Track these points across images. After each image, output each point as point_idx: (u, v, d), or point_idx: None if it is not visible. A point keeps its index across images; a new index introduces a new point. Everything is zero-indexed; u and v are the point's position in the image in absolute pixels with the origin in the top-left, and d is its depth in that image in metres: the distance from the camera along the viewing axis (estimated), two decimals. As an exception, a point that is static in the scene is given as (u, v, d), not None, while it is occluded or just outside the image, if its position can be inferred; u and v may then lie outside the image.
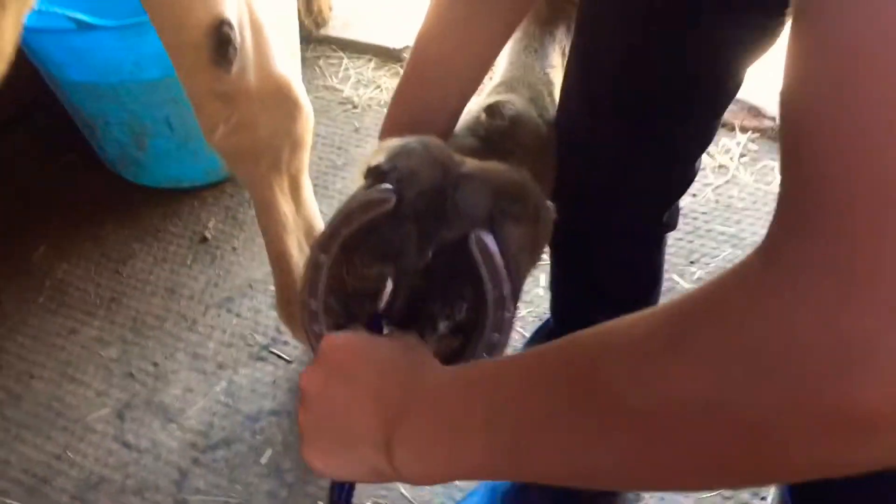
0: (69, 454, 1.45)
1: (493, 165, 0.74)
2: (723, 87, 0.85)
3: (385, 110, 2.04)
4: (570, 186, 0.88)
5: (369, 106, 2.10)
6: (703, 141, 0.90)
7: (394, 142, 0.76)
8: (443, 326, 0.72)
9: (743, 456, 0.41)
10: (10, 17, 0.77)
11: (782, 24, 0.80)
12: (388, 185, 0.71)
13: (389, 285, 0.72)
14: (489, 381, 0.54)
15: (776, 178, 1.79)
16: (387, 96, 2.11)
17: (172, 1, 1.06)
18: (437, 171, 0.72)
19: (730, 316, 0.41)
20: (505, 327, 0.70)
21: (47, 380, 1.58)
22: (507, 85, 0.91)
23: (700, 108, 0.87)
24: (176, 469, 1.41)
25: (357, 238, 0.72)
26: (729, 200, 1.73)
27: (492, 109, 0.85)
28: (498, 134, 0.84)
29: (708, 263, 1.62)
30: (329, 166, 1.93)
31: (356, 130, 2.04)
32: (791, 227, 0.40)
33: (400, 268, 0.72)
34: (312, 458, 0.62)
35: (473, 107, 0.88)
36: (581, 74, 0.88)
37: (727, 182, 1.76)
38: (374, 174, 0.73)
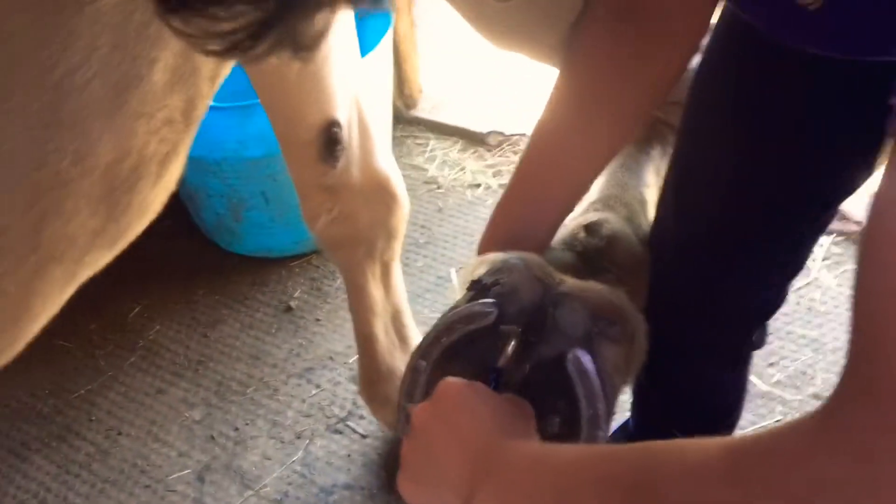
0: (150, 513, 1.51)
1: (592, 285, 0.78)
2: (826, 212, 0.87)
3: (468, 192, 2.10)
4: (661, 303, 0.91)
5: (453, 187, 2.16)
6: (797, 265, 0.92)
7: (496, 256, 0.80)
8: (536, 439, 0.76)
9: None
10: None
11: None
12: (490, 300, 0.75)
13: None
14: (564, 467, 0.59)
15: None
16: (471, 178, 2.17)
17: (289, 99, 1.14)
18: (538, 287, 0.76)
19: (782, 460, 0.44)
20: (598, 443, 0.73)
21: (134, 437, 1.65)
22: (604, 202, 0.95)
23: (800, 232, 0.89)
24: (251, 536, 1.46)
25: (455, 348, 0.77)
26: (811, 303, 1.72)
27: (590, 228, 0.89)
28: (594, 251, 0.88)
29: (787, 367, 1.62)
30: (412, 244, 1.99)
31: (439, 210, 2.10)
32: (854, 389, 0.43)
33: (499, 380, 0.75)
34: (403, 485, 0.71)
35: (570, 222, 0.92)
36: (679, 191, 0.91)
37: (809, 284, 1.76)
38: (477, 287, 0.77)
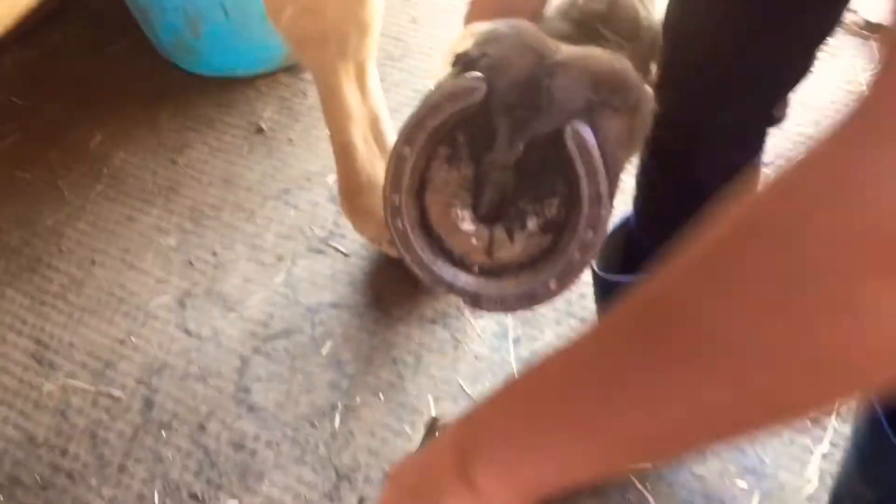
0: (132, 339, 1.47)
1: (592, 52, 0.69)
2: None
3: (441, 0, 1.95)
4: (678, 79, 0.83)
5: (427, -5, 2.02)
6: (825, 27, 0.83)
7: (482, 26, 0.71)
8: (532, 223, 0.69)
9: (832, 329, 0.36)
10: None
11: None
12: (477, 74, 0.67)
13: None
14: (553, 372, 0.49)
15: (857, 77, 1.71)
16: (445, -15, 2.02)
17: None
18: (531, 57, 0.67)
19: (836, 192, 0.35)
20: (600, 226, 0.67)
21: (108, 266, 1.59)
22: None
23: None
24: (237, 357, 1.43)
25: (442, 130, 0.69)
26: (808, 98, 1.65)
27: None
28: (593, 16, 0.79)
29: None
30: (386, 57, 1.87)
31: (413, 20, 1.97)
32: None
33: (489, 162, 0.68)
34: None
35: None
36: None
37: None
38: (463, 62, 0.68)
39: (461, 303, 1.45)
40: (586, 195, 0.65)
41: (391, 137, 1.37)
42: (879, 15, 1.75)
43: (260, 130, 1.78)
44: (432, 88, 0.70)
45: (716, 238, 0.41)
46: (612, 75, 0.68)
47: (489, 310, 0.72)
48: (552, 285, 0.67)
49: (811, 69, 0.88)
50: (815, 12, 0.82)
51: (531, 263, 0.70)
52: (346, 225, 1.56)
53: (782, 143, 1.58)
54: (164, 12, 1.75)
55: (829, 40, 1.61)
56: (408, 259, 0.71)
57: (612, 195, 0.69)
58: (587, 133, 0.65)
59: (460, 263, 0.71)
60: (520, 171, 0.69)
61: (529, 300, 0.69)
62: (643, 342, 0.42)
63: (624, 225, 1.10)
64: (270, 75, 1.88)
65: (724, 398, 0.40)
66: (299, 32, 1.15)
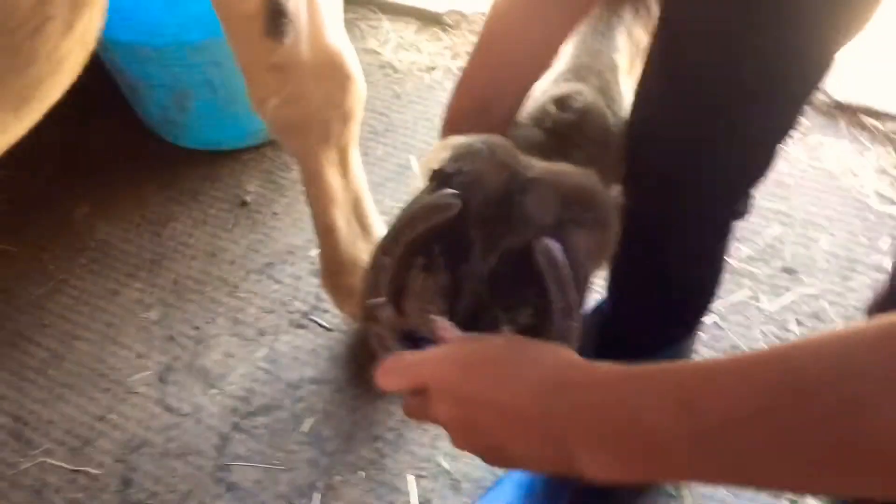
0: (112, 416, 1.47)
1: (562, 168, 0.73)
2: (814, 69, 0.82)
3: (426, 75, 2.02)
4: (643, 174, 0.86)
5: (410, 71, 2.07)
6: (785, 126, 0.87)
7: (458, 140, 0.74)
8: (506, 330, 0.72)
9: None
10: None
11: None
12: (452, 191, 0.70)
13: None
14: (689, 392, 0.50)
15: (826, 155, 1.76)
16: (428, 60, 2.08)
17: (227, -31, 1.04)
18: (504, 174, 0.71)
19: None
20: (571, 336, 0.69)
21: (90, 341, 1.59)
22: (575, 72, 0.88)
23: (786, 93, 0.84)
24: (217, 434, 1.43)
25: (419, 242, 0.71)
26: (778, 176, 1.69)
27: (561, 102, 0.83)
28: (565, 126, 0.82)
29: (756, 242, 1.60)
30: (369, 132, 1.91)
31: (397, 96, 2.01)
32: None
33: (464, 272, 0.71)
34: (494, 464, 0.62)
35: (539, 95, 0.86)
36: (665, 55, 0.85)
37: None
38: (439, 177, 0.72)
39: None
40: (557, 308, 0.68)
41: (373, 217, 1.40)
42: (846, 95, 1.81)
43: (244, 204, 1.81)
44: (410, 202, 0.73)
45: None
46: (582, 193, 0.71)
47: None
48: None
49: (772, 165, 0.91)
50: (777, 113, 0.85)
51: None
52: (328, 300, 1.58)
53: (754, 220, 1.63)
54: (152, 88, 1.79)
55: (801, 120, 1.66)
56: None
57: (581, 305, 0.72)
58: (556, 249, 0.68)
59: None
60: (494, 281, 0.71)
61: None
62: (799, 425, 0.45)
63: (598, 310, 1.12)
64: (256, 149, 1.91)
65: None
66: (283, 121, 1.18)
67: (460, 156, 0.70)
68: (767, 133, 0.86)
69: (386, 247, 0.70)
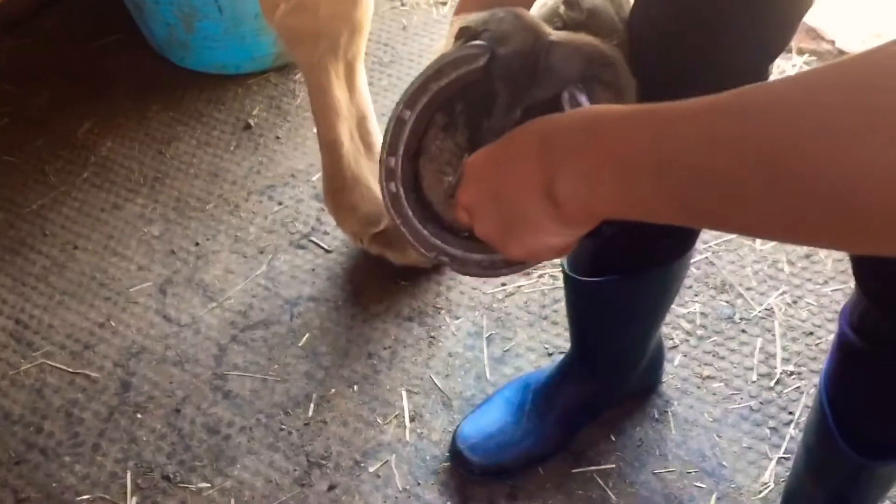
0: (112, 323, 1.50)
1: (584, 36, 0.74)
2: None
3: (434, 10, 2.01)
4: (644, 81, 0.87)
5: (418, 4, 2.06)
6: (779, 45, 0.88)
7: (479, 13, 0.75)
8: None
9: None
10: None
11: None
12: (481, 42, 0.70)
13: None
14: (658, 126, 0.51)
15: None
16: (436, -5, 2.08)
17: None
18: (529, 35, 0.72)
19: None
20: None
21: (91, 251, 1.61)
22: None
23: (769, 18, 0.85)
24: (215, 344, 1.46)
25: (443, 96, 0.72)
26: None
27: (570, 1, 0.84)
28: (574, 26, 0.83)
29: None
30: (375, 63, 1.92)
31: (404, 28, 2.01)
32: None
33: (486, 129, 0.72)
34: (513, 251, 0.65)
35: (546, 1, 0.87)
36: None
37: (777, 105, 1.73)
38: (467, 34, 0.72)
39: (443, 287, 1.48)
40: None
41: (377, 137, 1.41)
42: (853, 44, 1.82)
43: (248, 127, 1.82)
44: (436, 58, 0.73)
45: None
46: (603, 54, 0.73)
47: (476, 275, 0.76)
48: None
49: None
50: (770, 29, 0.86)
51: None
52: (329, 222, 1.60)
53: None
54: (157, 6, 1.78)
55: (805, 69, 1.67)
56: (398, 221, 0.74)
57: None
58: (583, 98, 0.69)
59: (449, 230, 0.75)
60: None
61: (517, 264, 0.73)
62: (747, 159, 0.45)
63: (595, 232, 1.14)
64: (261, 74, 1.91)
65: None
66: (292, 29, 1.19)
67: (486, 20, 0.71)
68: (762, 42, 0.87)
69: (409, 99, 0.70)
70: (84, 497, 1.29)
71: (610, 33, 0.85)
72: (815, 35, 1.80)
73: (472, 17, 0.72)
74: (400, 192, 0.73)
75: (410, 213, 0.74)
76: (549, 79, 0.69)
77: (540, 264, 0.74)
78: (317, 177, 1.67)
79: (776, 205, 0.45)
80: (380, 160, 0.73)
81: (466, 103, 0.71)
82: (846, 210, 0.42)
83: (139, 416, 1.37)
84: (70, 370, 1.43)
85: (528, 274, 1.51)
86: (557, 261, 1.30)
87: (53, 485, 1.30)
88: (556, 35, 0.71)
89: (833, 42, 1.81)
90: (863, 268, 0.85)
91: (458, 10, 0.85)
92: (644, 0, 0.89)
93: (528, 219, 0.60)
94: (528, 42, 0.70)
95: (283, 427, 1.35)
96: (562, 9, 0.84)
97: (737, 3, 0.84)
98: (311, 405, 1.37)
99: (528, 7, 0.86)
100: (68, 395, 1.40)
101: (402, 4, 2.07)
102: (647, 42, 0.88)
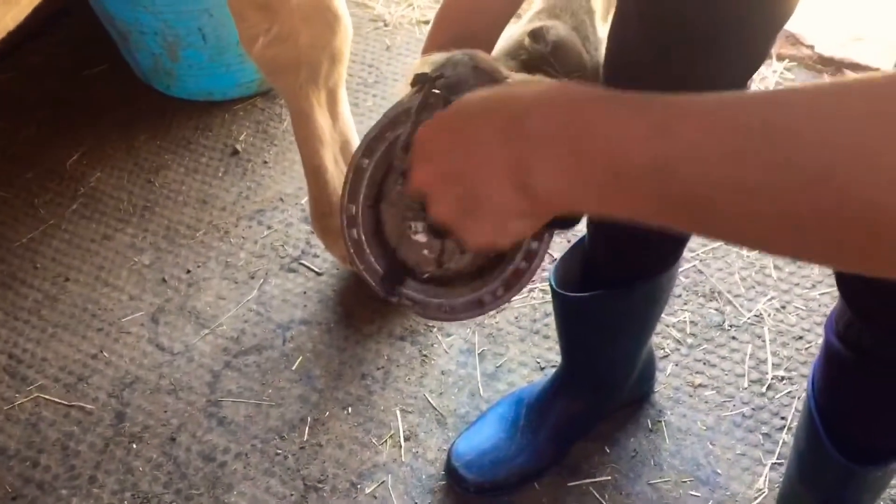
0: (105, 354, 1.50)
1: (539, 79, 0.75)
2: (777, 9, 0.84)
3: (416, 29, 2.03)
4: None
5: (401, 24, 2.08)
6: (751, 66, 0.89)
7: (438, 54, 0.76)
8: None
9: None
10: None
11: None
12: (436, 91, 0.72)
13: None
14: (664, 116, 0.47)
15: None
16: (419, 14, 2.09)
17: None
18: (485, 80, 0.73)
19: None
20: (544, 237, 0.72)
21: (82, 283, 1.62)
22: (550, 12, 0.90)
23: (750, 34, 0.86)
24: (209, 371, 1.46)
25: (400, 145, 0.73)
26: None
27: (535, 34, 0.85)
28: (539, 59, 0.84)
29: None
30: (360, 84, 1.93)
31: (387, 49, 2.03)
32: None
33: None
34: (470, 235, 0.60)
35: (514, 32, 0.88)
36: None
37: (759, 112, 1.75)
38: (421, 81, 0.73)
39: (414, 315, 1.49)
40: None
41: (361, 159, 1.42)
42: (832, 49, 1.84)
43: (235, 153, 1.83)
44: (393, 105, 0.75)
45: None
46: None
47: (437, 319, 0.77)
48: (499, 292, 0.73)
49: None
50: (744, 52, 0.87)
51: (479, 273, 0.75)
52: (318, 245, 1.61)
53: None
54: (143, 36, 1.80)
55: (786, 74, 1.67)
56: (361, 268, 0.75)
57: None
58: None
59: (411, 273, 0.76)
60: None
61: (476, 308, 0.74)
62: (763, 169, 0.43)
63: (580, 244, 1.15)
64: (247, 99, 1.93)
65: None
66: (272, 61, 1.20)
67: (442, 64, 0.72)
68: (736, 68, 0.89)
69: (366, 148, 0.72)
70: (82, 530, 1.29)
71: (575, 68, 0.86)
72: (794, 41, 1.82)
73: (431, 60, 0.73)
74: (362, 239, 0.74)
75: (372, 259, 0.75)
76: None
77: (492, 311, 0.74)
78: (305, 200, 1.68)
79: (806, 226, 0.42)
80: (340, 208, 0.74)
81: None
82: (871, 228, 0.40)
83: (135, 446, 1.37)
84: (65, 403, 1.44)
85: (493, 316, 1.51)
86: (546, 274, 1.31)
87: (51, 519, 1.30)
88: (513, 77, 0.72)
89: (812, 47, 1.82)
90: (846, 281, 0.86)
91: (427, 43, 0.86)
92: (621, 27, 0.90)
93: (492, 205, 0.56)
94: (482, 87, 0.71)
95: (279, 452, 1.35)
96: (527, 41, 0.85)
97: (719, 24, 0.85)
98: (306, 428, 1.38)
99: (495, 38, 0.88)
100: (64, 428, 1.40)
101: (385, 25, 2.08)
102: (627, 68, 0.89)
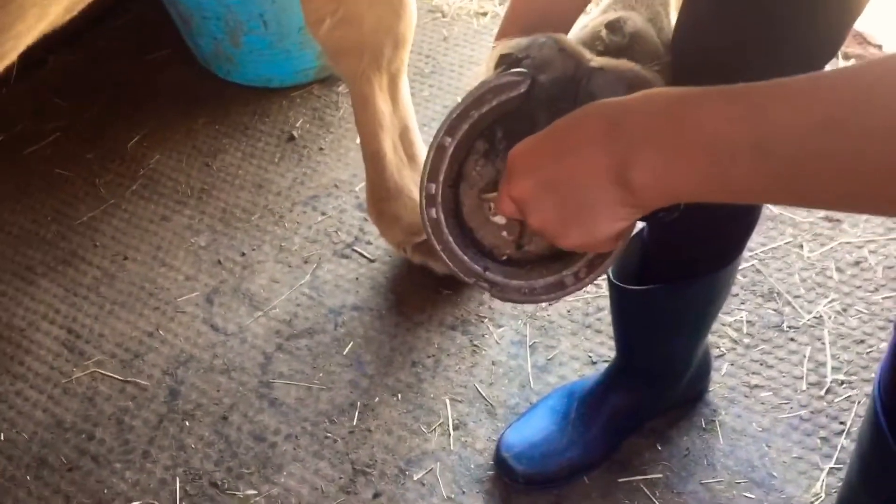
0: (160, 332, 1.52)
1: (625, 62, 0.74)
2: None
3: (474, 20, 2.02)
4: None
5: (458, 15, 2.08)
6: (825, 55, 0.87)
7: (519, 38, 0.75)
8: None
9: None
10: None
11: None
12: (522, 69, 0.71)
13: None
14: (752, 106, 0.51)
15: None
16: (476, 6, 2.09)
17: None
18: (570, 61, 0.72)
19: None
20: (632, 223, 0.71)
21: (140, 262, 1.64)
22: (625, 2, 0.89)
23: (825, 22, 0.84)
24: (261, 353, 1.48)
25: (484, 123, 0.72)
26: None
27: (612, 25, 0.83)
28: (617, 50, 0.83)
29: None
30: (416, 73, 1.93)
31: (444, 39, 2.02)
32: None
33: None
34: (569, 240, 0.63)
35: (588, 23, 0.86)
36: None
37: (824, 111, 1.71)
38: (508, 61, 0.72)
39: (486, 296, 1.49)
40: None
41: (420, 147, 1.43)
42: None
43: (292, 139, 1.84)
44: (477, 85, 0.73)
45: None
46: (645, 80, 0.72)
47: (516, 300, 0.76)
48: (581, 274, 0.71)
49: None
50: (822, 32, 0.85)
51: (558, 257, 0.73)
52: (372, 231, 1.61)
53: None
54: (204, 21, 1.82)
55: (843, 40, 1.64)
56: (438, 248, 0.75)
57: None
58: None
59: (489, 255, 0.75)
60: None
61: (558, 289, 0.73)
62: (853, 140, 0.47)
63: (638, 236, 1.13)
64: (304, 86, 1.94)
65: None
66: (336, 43, 1.21)
67: (527, 46, 0.71)
68: (814, 48, 0.86)
69: (450, 126, 0.71)
70: (134, 503, 1.31)
71: (652, 58, 0.84)
72: (861, 40, 1.78)
73: (513, 44, 0.72)
74: (441, 218, 0.73)
75: (451, 239, 0.74)
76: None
77: (573, 294, 0.74)
78: (360, 187, 1.69)
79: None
80: (420, 187, 0.73)
81: (507, 130, 0.72)
82: None
83: (187, 423, 1.39)
84: (120, 378, 1.46)
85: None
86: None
87: (105, 491, 1.32)
88: (596, 61, 0.71)
89: (880, 47, 1.78)
90: None
91: (500, 35, 0.85)
92: (690, 21, 0.88)
93: (594, 205, 0.60)
94: (568, 69, 0.70)
95: (329, 435, 1.36)
96: (604, 32, 0.84)
97: (791, 16, 0.83)
98: (356, 413, 1.38)
99: (568, 30, 0.86)
100: (119, 403, 1.43)
101: (443, 16, 2.08)
102: (696, 61, 0.88)
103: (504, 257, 0.75)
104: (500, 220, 0.75)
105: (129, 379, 1.46)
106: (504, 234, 0.75)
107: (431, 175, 0.73)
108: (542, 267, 0.74)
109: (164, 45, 2.06)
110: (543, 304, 1.49)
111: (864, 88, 0.47)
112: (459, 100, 0.72)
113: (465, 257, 0.75)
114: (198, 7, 1.79)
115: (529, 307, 1.49)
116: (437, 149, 0.72)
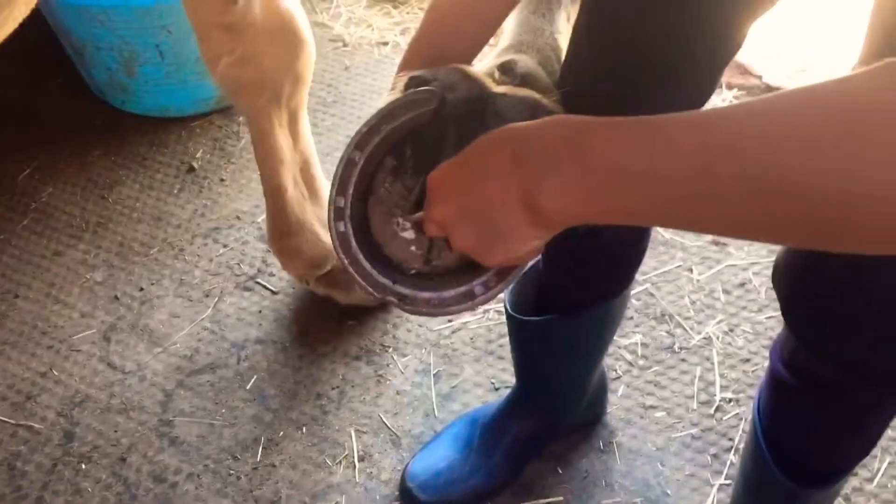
0: (54, 372, 1.48)
1: (525, 90, 0.77)
2: (726, 44, 0.87)
3: (375, 50, 2.04)
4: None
5: (360, 45, 2.10)
6: (704, 94, 0.92)
7: (422, 70, 0.77)
8: None
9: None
10: None
11: None
12: (432, 88, 0.72)
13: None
14: (649, 138, 0.54)
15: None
16: (378, 36, 2.11)
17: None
18: (476, 85, 0.74)
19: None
20: None
21: (32, 300, 1.59)
22: (516, 48, 0.92)
23: (700, 67, 0.89)
24: (161, 391, 1.45)
25: (393, 139, 0.73)
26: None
27: (504, 67, 0.86)
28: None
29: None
30: (318, 103, 1.94)
31: (346, 69, 2.04)
32: None
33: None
34: (492, 260, 0.67)
35: (482, 66, 0.89)
36: (589, 32, 0.89)
37: (709, 139, 1.79)
38: (417, 82, 0.74)
39: (390, 326, 1.49)
40: None
41: (321, 181, 1.43)
42: (779, 79, 1.90)
43: (192, 170, 1.82)
44: (387, 102, 0.74)
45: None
46: (545, 107, 0.76)
47: (425, 313, 0.77)
48: (491, 283, 0.73)
49: None
50: (693, 87, 0.90)
51: (467, 269, 0.75)
52: (275, 263, 1.60)
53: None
54: (98, 51, 1.78)
55: (734, 103, 1.72)
56: (346, 262, 0.75)
57: None
58: None
59: (398, 269, 0.76)
60: None
61: (467, 300, 0.74)
62: (738, 173, 0.50)
63: (535, 268, 1.17)
64: (204, 116, 1.92)
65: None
66: (234, 81, 1.21)
67: (435, 71, 0.73)
68: (684, 103, 0.91)
69: (359, 141, 0.71)
70: (28, 552, 1.26)
71: (545, 95, 0.88)
72: (743, 70, 1.88)
73: (418, 72, 0.74)
74: (349, 232, 0.74)
75: (359, 252, 0.75)
76: (498, 124, 0.71)
77: (483, 305, 0.76)
78: (262, 218, 1.68)
79: (777, 215, 0.50)
80: (329, 200, 0.73)
81: (416, 148, 0.73)
82: (844, 216, 0.48)
83: (84, 466, 1.35)
84: (12, 422, 1.41)
85: (474, 310, 1.53)
86: (502, 295, 1.33)
87: (-4, 541, 1.27)
88: (499, 88, 0.74)
89: (760, 77, 1.88)
90: (791, 310, 0.89)
91: (402, 68, 0.88)
92: (572, 66, 0.92)
93: (509, 228, 0.63)
94: (474, 91, 0.73)
95: (232, 472, 1.34)
96: (496, 73, 0.87)
97: (668, 62, 0.87)
98: (260, 449, 1.37)
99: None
100: (11, 448, 1.38)
101: (345, 45, 2.10)
102: (579, 103, 0.92)
103: (413, 271, 0.76)
104: (408, 234, 0.76)
105: (20, 422, 1.41)
106: (413, 248, 0.76)
107: (340, 188, 0.73)
108: (452, 279, 0.75)
109: (55, 75, 2.00)
110: (446, 332, 1.51)
111: (734, 132, 0.51)
112: (370, 115, 0.73)
113: (373, 271, 0.75)
114: (91, 38, 1.75)
115: (433, 335, 1.51)
116: (347, 162, 0.72)
